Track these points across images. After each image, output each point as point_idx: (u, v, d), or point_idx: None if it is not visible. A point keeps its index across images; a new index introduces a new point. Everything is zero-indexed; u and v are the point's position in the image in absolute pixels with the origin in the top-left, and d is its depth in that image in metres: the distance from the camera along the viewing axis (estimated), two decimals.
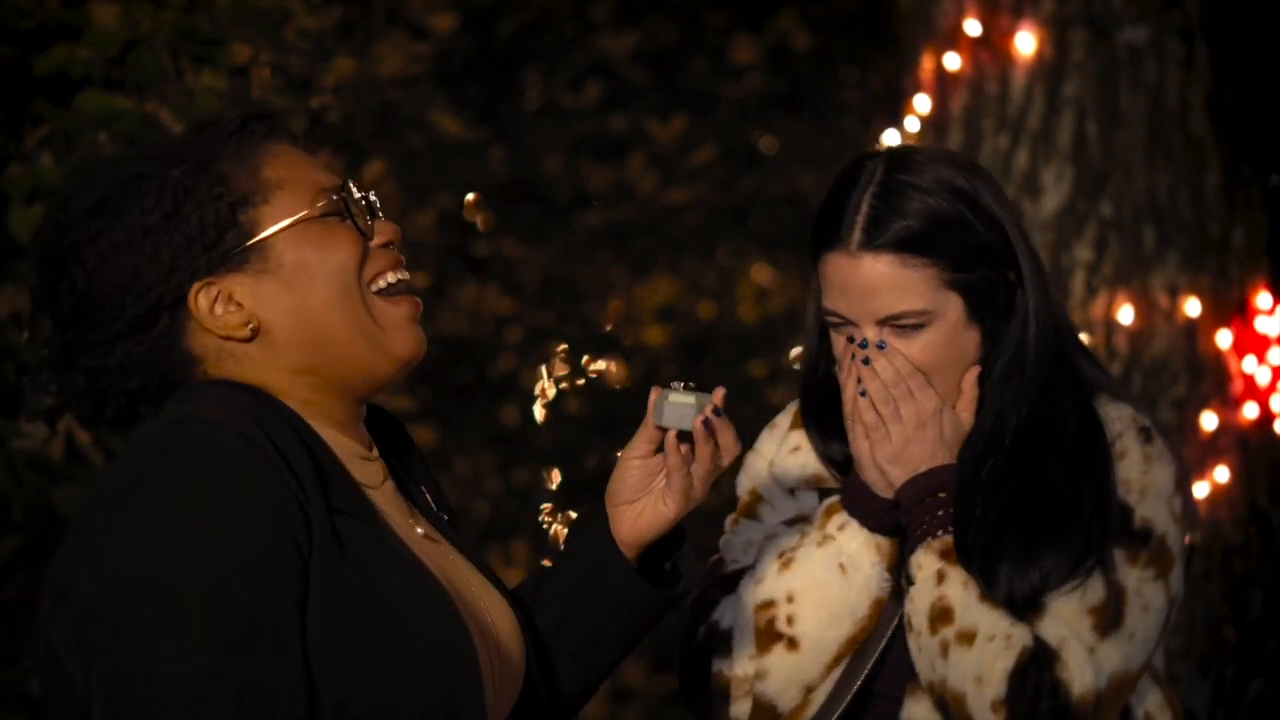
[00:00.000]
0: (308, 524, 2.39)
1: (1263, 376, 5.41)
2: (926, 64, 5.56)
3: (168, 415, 2.48)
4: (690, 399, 2.70)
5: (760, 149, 9.54)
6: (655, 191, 9.17)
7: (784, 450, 3.27)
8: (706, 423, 2.70)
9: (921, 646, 3.07)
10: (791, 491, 3.28)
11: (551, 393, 9.02)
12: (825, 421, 3.22)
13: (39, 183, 4.56)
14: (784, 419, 3.32)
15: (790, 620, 3.11)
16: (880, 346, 3.07)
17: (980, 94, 5.48)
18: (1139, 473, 3.10)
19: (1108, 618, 3.04)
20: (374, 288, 2.58)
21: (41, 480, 4.64)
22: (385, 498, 2.59)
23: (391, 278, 2.59)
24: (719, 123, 9.26)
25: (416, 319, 2.61)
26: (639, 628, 2.81)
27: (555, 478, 8.92)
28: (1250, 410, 5.40)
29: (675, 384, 2.72)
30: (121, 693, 2.31)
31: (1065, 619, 3.03)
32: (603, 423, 9.04)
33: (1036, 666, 3.00)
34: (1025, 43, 5.41)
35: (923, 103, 5.53)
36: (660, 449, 2.74)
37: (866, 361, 3.07)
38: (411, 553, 2.52)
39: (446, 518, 2.73)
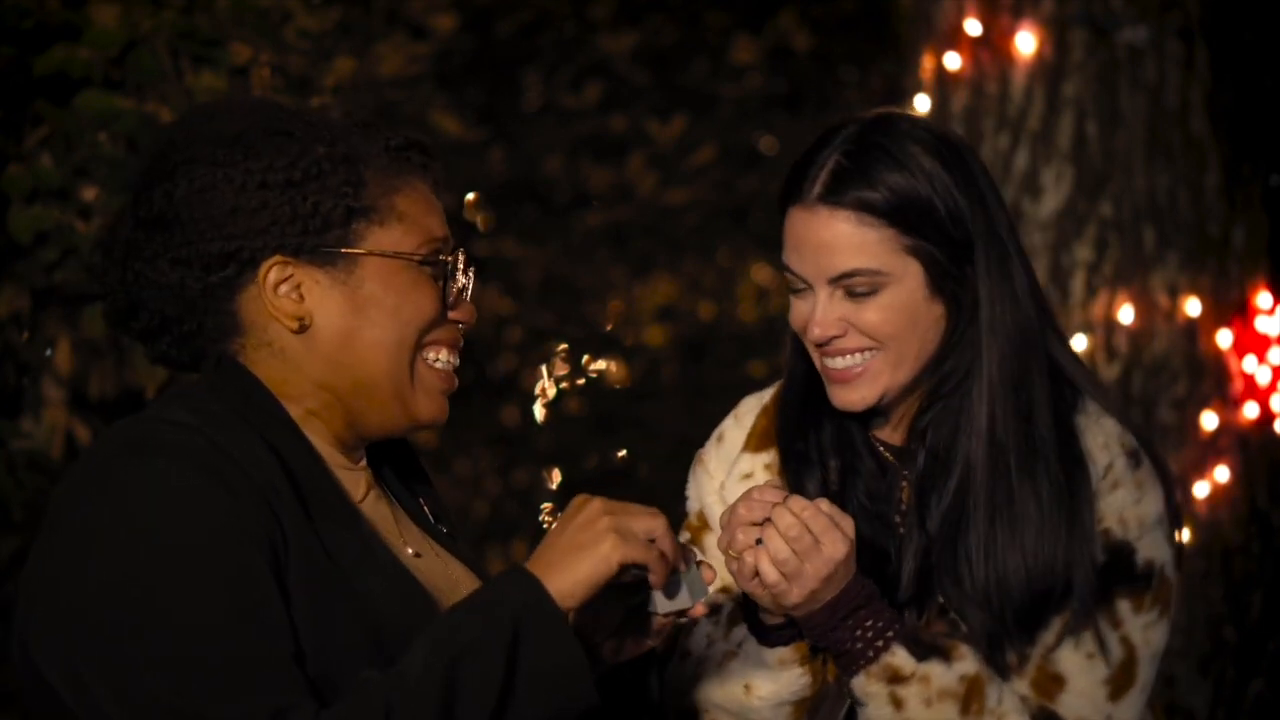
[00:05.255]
0: (279, 522, 2.41)
1: (1263, 376, 5.42)
2: (926, 64, 5.57)
3: (134, 419, 2.49)
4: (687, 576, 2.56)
5: (760, 149, 9.54)
6: (655, 191, 9.18)
7: (734, 476, 3.09)
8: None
9: None
10: None
11: (551, 393, 9.03)
12: (806, 430, 3.03)
13: (39, 183, 4.57)
14: (733, 433, 3.14)
15: None
16: (784, 502, 2.80)
17: (980, 94, 5.49)
18: (1133, 504, 2.98)
19: (1121, 682, 2.96)
20: (425, 355, 2.59)
21: (41, 480, 4.64)
22: (370, 509, 2.59)
23: (444, 356, 2.61)
24: (719, 123, 9.26)
25: (448, 393, 2.62)
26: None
27: (555, 478, 8.92)
28: (1250, 410, 5.41)
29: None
30: (124, 683, 2.32)
31: (1085, 693, 2.94)
32: (603, 423, 9.04)
33: None
34: (1025, 43, 5.42)
35: (923, 103, 5.53)
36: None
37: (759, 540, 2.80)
38: (395, 559, 2.52)
39: (445, 530, 2.72)
